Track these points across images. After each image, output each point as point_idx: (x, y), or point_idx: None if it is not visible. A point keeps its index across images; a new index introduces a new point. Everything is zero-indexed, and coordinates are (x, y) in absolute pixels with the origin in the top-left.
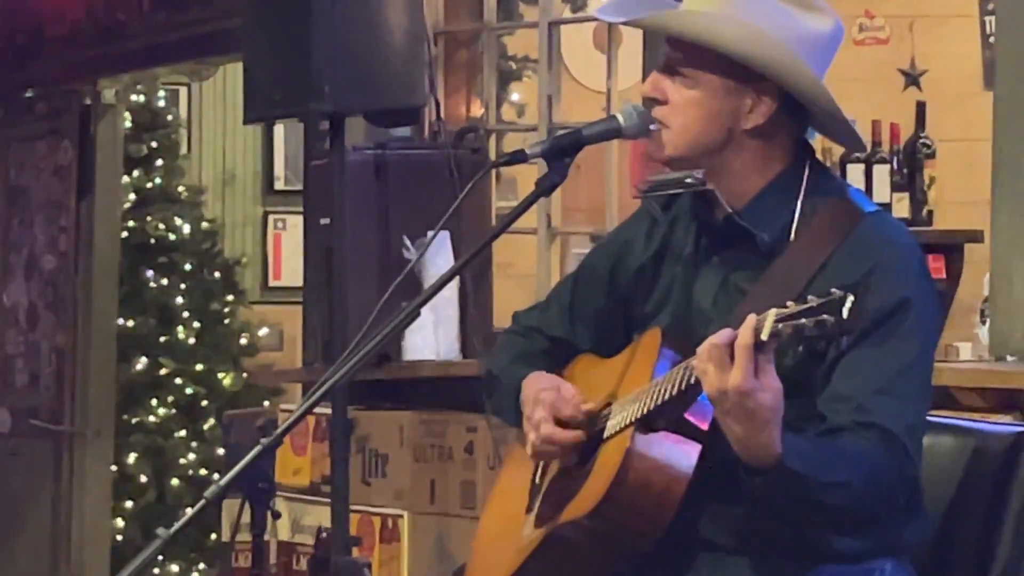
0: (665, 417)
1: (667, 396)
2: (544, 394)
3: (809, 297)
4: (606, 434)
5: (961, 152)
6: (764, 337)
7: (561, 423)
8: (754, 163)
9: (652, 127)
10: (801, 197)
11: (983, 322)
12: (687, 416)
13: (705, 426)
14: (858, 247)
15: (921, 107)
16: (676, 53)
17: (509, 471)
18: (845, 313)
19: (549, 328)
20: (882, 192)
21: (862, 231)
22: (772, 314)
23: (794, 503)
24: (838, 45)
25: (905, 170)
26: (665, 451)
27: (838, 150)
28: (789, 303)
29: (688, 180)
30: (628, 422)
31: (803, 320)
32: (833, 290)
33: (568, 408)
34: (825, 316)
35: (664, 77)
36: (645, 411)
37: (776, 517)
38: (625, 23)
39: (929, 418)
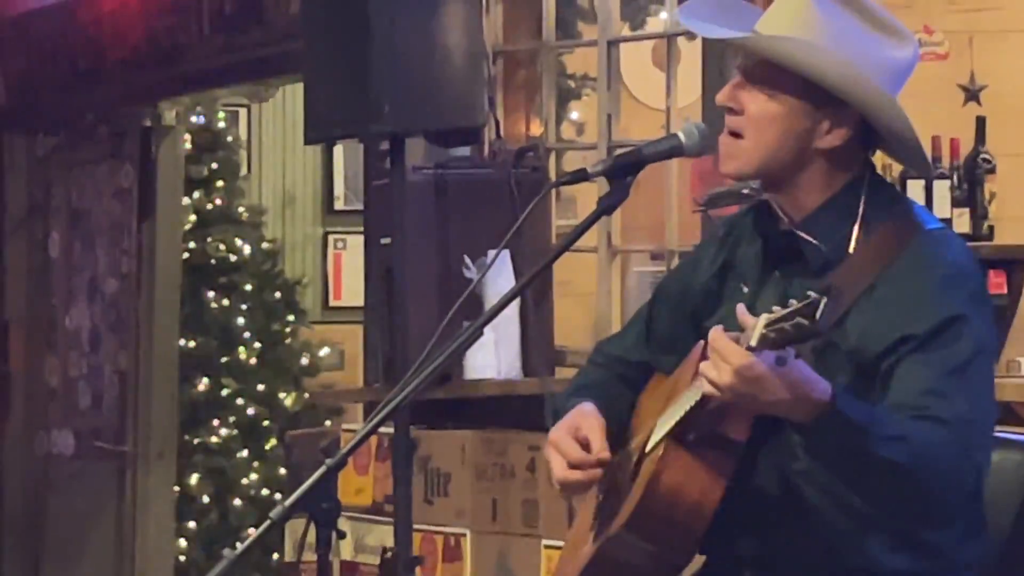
0: (696, 430)
1: (687, 409)
2: (556, 433)
3: (791, 301)
4: (648, 448)
5: (1022, 166)
6: (754, 343)
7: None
8: (819, 180)
9: (721, 137)
10: (861, 213)
11: None
12: (722, 427)
13: (742, 438)
14: (910, 263)
15: (981, 122)
16: (757, 67)
17: (594, 489)
18: (818, 315)
19: (628, 354)
20: (942, 208)
21: (915, 248)
22: (763, 320)
23: (849, 457)
24: (913, 69)
25: (965, 185)
26: (697, 463)
27: (898, 166)
28: (775, 308)
29: (745, 191)
30: (661, 436)
31: (784, 324)
32: (810, 293)
33: (574, 453)
34: (800, 319)
35: (741, 87)
36: (676, 422)
37: (819, 531)
38: (718, 39)
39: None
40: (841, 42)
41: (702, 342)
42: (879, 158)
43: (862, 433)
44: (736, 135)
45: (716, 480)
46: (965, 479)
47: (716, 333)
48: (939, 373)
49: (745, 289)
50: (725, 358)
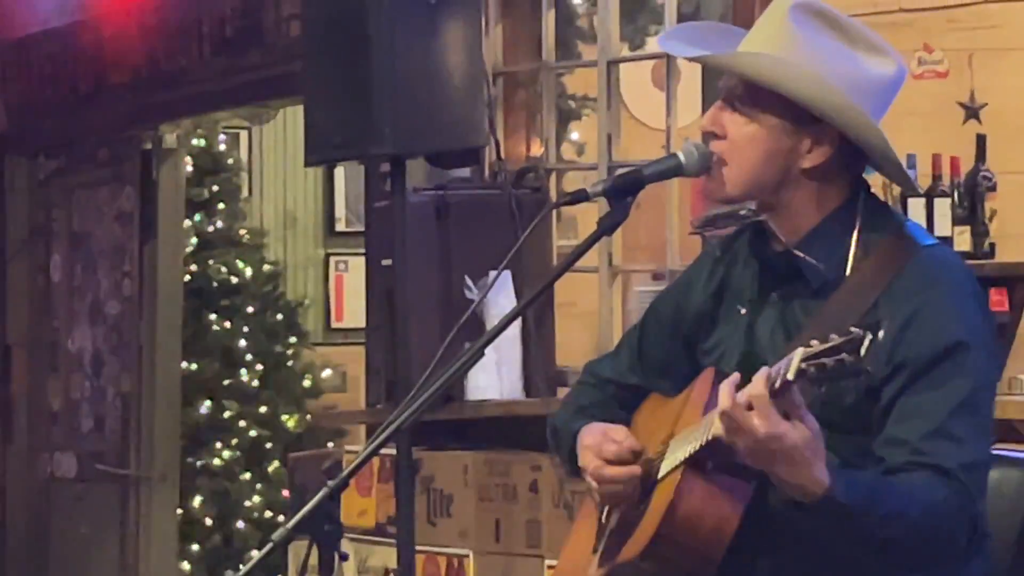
0: (713, 458)
1: (706, 440)
2: (589, 438)
3: (831, 336)
4: (660, 474)
5: (1022, 184)
6: (791, 377)
7: (612, 462)
8: (810, 200)
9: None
10: (856, 233)
11: None
12: (740, 456)
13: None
14: (910, 284)
15: (981, 140)
16: (736, 88)
17: (583, 512)
18: (862, 352)
19: (621, 376)
20: (943, 226)
21: (914, 267)
22: (799, 354)
23: (848, 537)
24: (899, 87)
25: (966, 203)
26: (715, 490)
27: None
28: (813, 342)
29: (742, 212)
30: (679, 462)
31: (825, 359)
32: (852, 329)
33: (611, 447)
34: (844, 355)
35: (723, 111)
36: (693, 452)
37: (834, 554)
38: (689, 59)
39: (992, 451)
40: (816, 58)
41: (712, 370)
42: (877, 179)
43: (857, 516)
44: (720, 160)
45: (734, 507)
46: (964, 532)
47: (761, 382)
48: (942, 410)
49: (742, 311)
50: (761, 416)
